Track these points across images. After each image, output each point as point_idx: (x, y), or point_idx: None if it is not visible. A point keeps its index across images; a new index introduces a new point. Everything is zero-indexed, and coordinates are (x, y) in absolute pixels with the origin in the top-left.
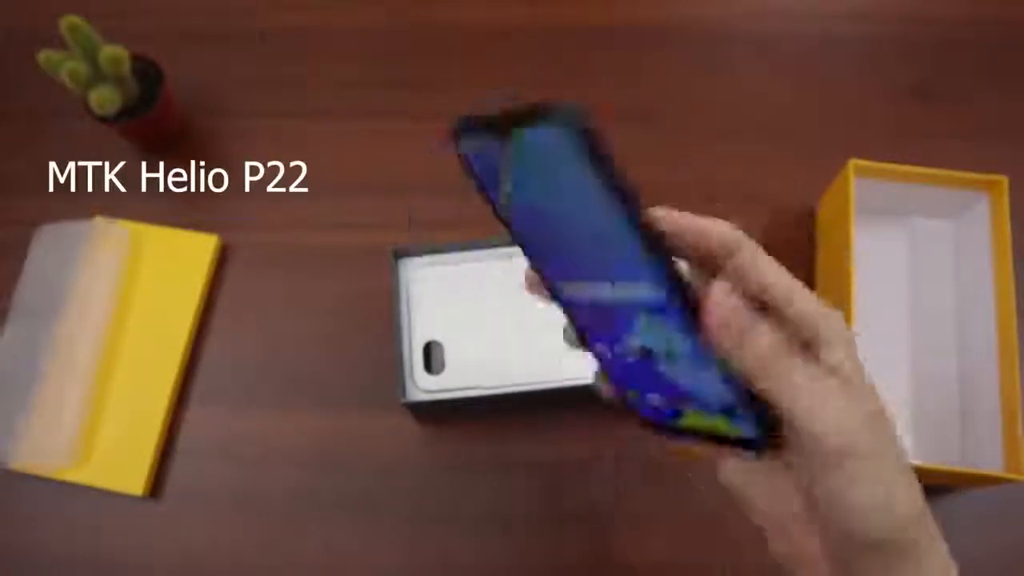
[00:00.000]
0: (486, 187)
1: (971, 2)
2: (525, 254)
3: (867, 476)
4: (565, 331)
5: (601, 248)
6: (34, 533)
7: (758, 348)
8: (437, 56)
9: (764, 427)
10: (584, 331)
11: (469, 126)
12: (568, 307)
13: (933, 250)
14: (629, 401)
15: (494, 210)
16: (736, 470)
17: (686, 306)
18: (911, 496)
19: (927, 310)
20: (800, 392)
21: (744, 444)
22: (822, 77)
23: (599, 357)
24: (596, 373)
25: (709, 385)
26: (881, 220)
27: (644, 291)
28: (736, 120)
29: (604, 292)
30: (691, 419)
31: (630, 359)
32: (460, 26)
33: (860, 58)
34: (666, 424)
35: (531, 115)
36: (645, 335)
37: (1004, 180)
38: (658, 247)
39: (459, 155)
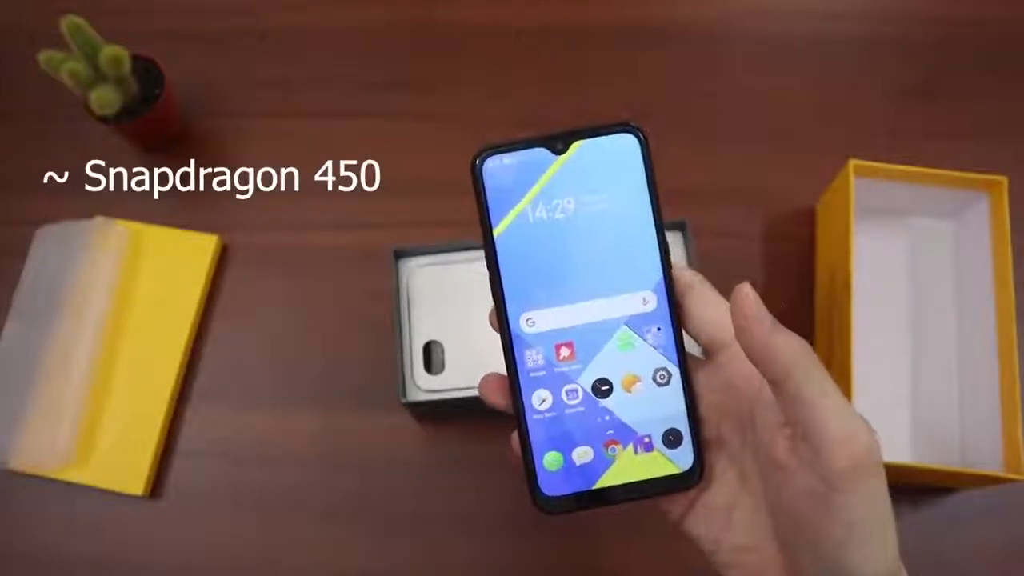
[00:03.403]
0: (490, 209)
1: (971, 1)
2: (499, 286)
3: (876, 502)
4: None
5: (616, 257)
6: (34, 533)
7: (793, 342)
8: (437, 56)
9: (699, 454)
10: (522, 385)
11: (505, 146)
12: (525, 349)
13: (933, 250)
14: (539, 477)
15: (487, 235)
16: (702, 518)
17: (677, 313)
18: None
19: (927, 310)
20: (829, 399)
21: (671, 485)
22: (822, 77)
23: (528, 415)
24: (513, 438)
25: (664, 406)
26: (881, 220)
27: (638, 302)
28: (736, 120)
29: (592, 311)
30: (617, 470)
31: (573, 403)
32: (460, 26)
33: (860, 58)
34: (578, 494)
35: (591, 130)
36: (610, 362)
37: (1004, 180)
38: (668, 252)
39: (475, 176)
